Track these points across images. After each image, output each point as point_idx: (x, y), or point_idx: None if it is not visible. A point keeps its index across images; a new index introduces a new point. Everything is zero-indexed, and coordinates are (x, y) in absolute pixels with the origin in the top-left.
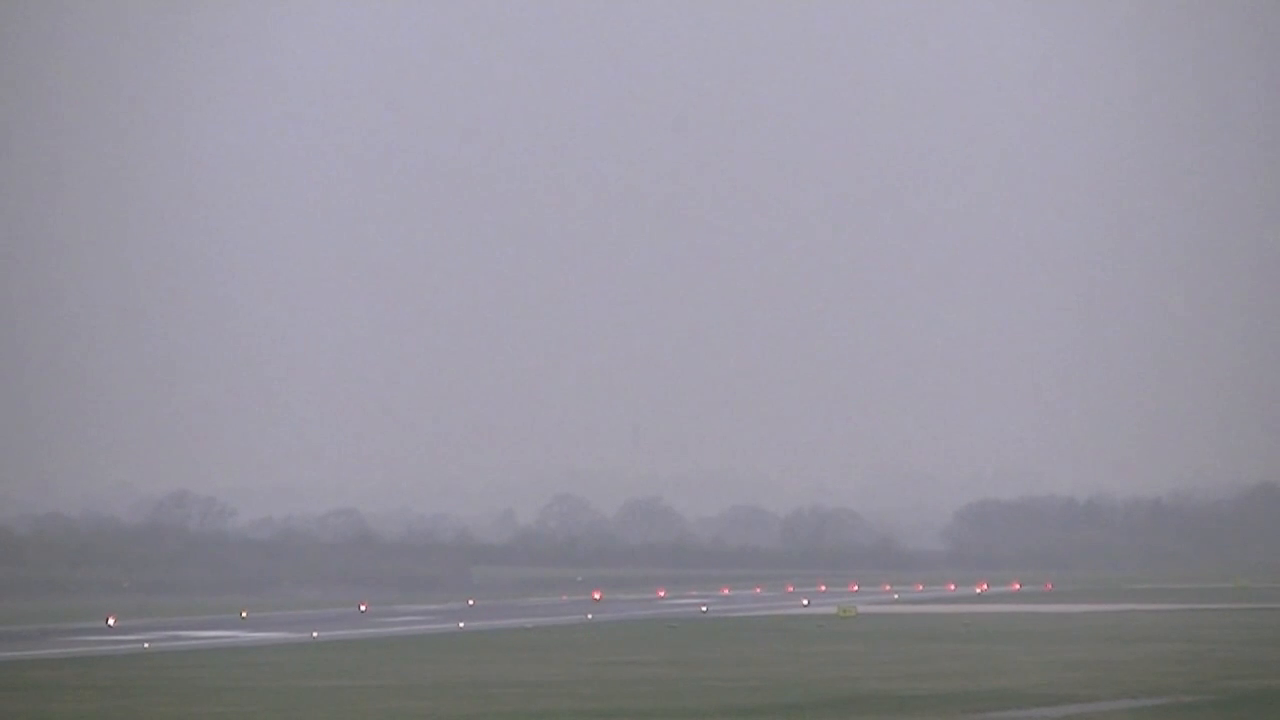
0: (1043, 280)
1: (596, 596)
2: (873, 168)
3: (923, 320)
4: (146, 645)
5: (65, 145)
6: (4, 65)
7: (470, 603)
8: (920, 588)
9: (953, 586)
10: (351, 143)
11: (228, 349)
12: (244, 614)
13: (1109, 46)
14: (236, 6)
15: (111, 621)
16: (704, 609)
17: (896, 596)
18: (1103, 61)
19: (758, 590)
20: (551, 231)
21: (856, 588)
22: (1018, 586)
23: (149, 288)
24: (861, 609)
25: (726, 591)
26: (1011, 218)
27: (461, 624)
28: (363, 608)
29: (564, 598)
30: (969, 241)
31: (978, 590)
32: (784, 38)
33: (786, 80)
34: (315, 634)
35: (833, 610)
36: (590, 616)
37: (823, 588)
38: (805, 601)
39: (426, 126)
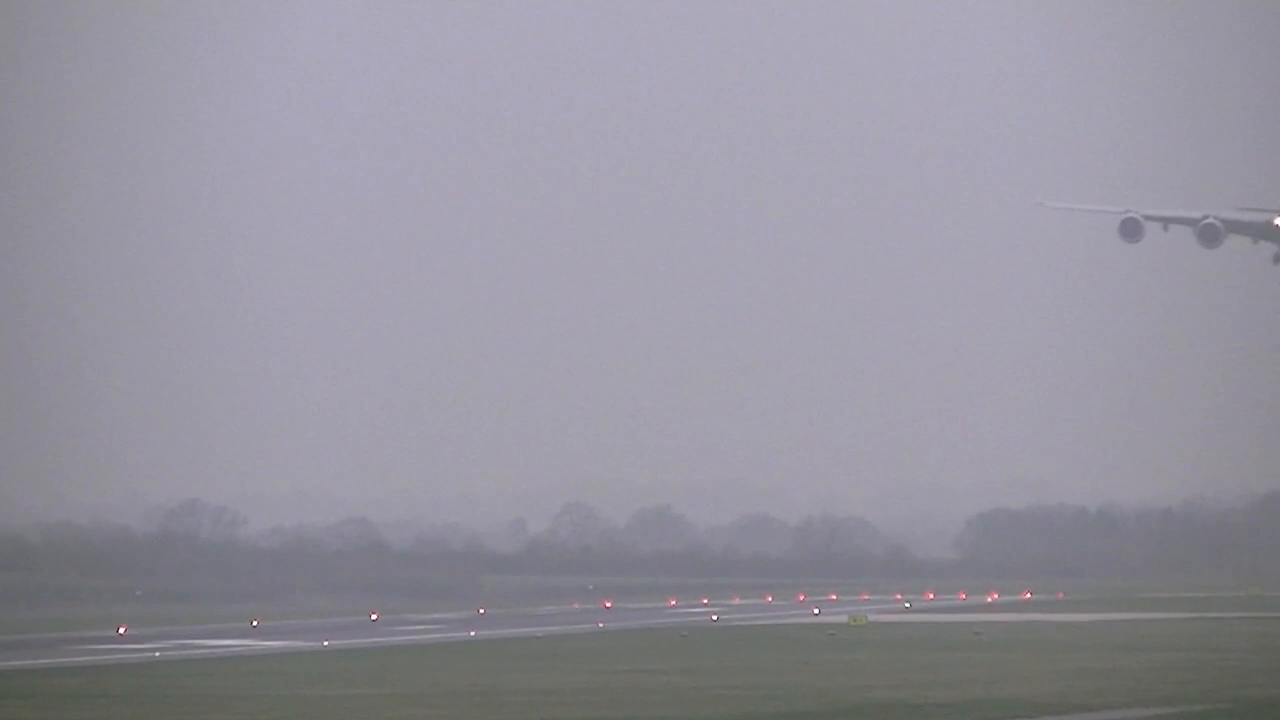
0: (1053, 287)
1: (607, 605)
2: (884, 176)
3: (934, 329)
4: (157, 654)
5: (73, 151)
6: (3, 63)
7: (481, 611)
8: (931, 596)
9: (964, 595)
10: (365, 150)
11: (239, 357)
12: (255, 622)
13: (1120, 45)
14: (243, 5)
15: (122, 630)
16: (715, 618)
17: (908, 605)
18: (1112, 61)
19: (769, 599)
20: (563, 239)
21: (868, 596)
22: (1029, 595)
23: (160, 294)
24: (873, 617)
25: (737, 600)
26: (1020, 224)
27: (472, 632)
28: (374, 616)
29: (575, 606)
30: (979, 249)
31: (989, 599)
32: (795, 41)
33: (791, 81)
34: (326, 642)
35: (844, 619)
36: (601, 625)
37: (834, 596)
38: (816, 610)
39: (438, 133)
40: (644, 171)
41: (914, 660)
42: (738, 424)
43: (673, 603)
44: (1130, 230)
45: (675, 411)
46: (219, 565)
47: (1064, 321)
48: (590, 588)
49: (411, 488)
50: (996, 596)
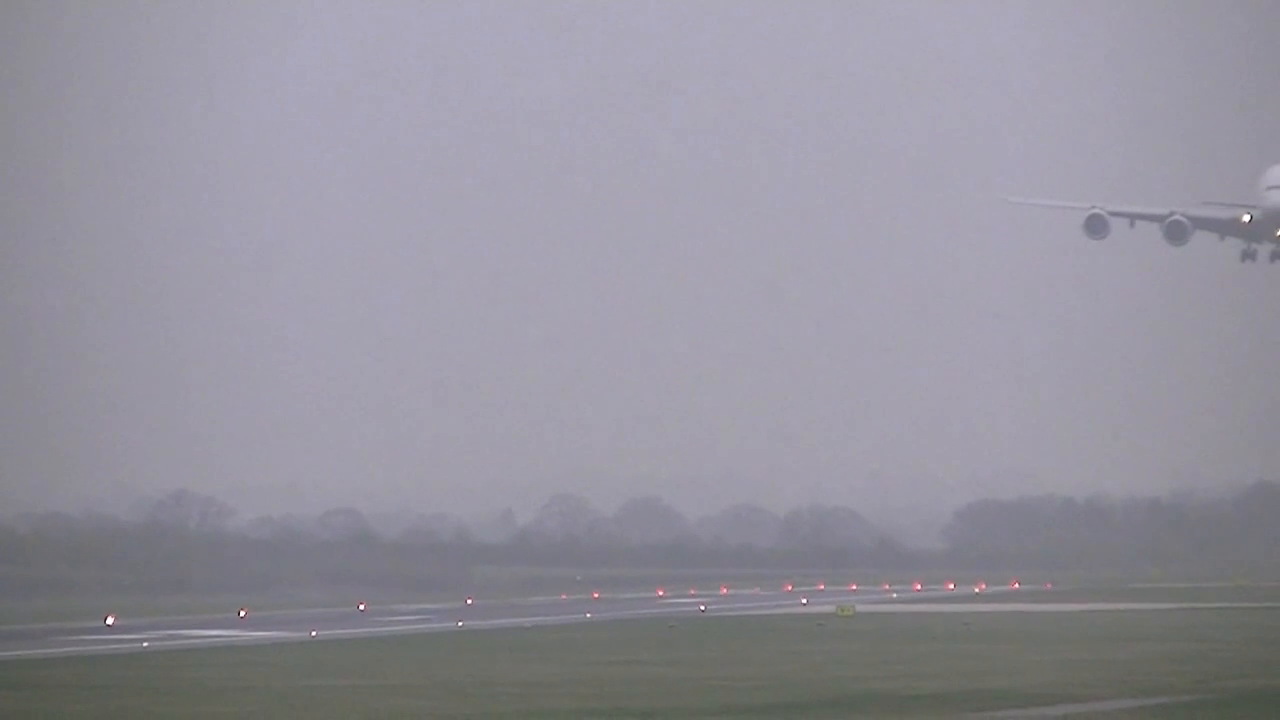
0: (1041, 277)
1: (595, 596)
2: (872, 171)
3: (921, 319)
4: (146, 645)
5: (66, 142)
6: (3, 63)
7: (469, 602)
8: (919, 587)
9: (952, 586)
10: (353, 142)
11: (227, 348)
12: (243, 613)
13: (1090, 40)
14: (244, 4)
15: (111, 621)
16: (703, 608)
17: (895, 596)
18: (1105, 57)
19: (757, 590)
20: (551, 229)
21: (856, 587)
22: (1017, 586)
23: (150, 287)
24: (861, 608)
25: (726, 591)
26: (1008, 215)
27: (461, 623)
28: (362, 607)
29: (563, 597)
30: (966, 239)
31: (977, 590)
32: (794, 40)
33: (788, 80)
34: (314, 633)
35: (832, 609)
36: (590, 616)
37: (822, 587)
38: (804, 601)
39: (426, 126)
40: (635, 168)
41: (902, 651)
42: (726, 415)
43: (661, 593)
44: (1096, 227)
45: (663, 403)
46: (207, 556)
47: (1052, 313)
48: (579, 579)
49: (400, 478)
50: (984, 587)
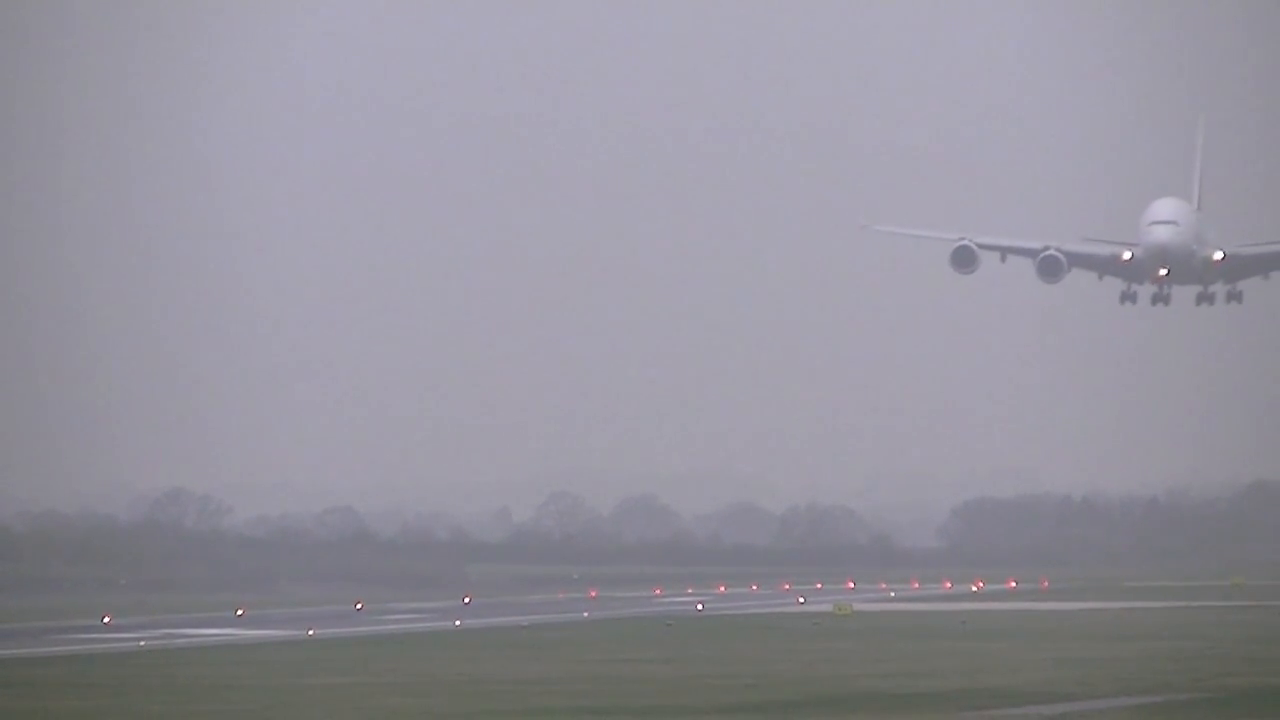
0: (1035, 277)
1: (592, 594)
2: (866, 163)
3: (918, 317)
4: (142, 643)
5: (64, 141)
6: (4, 62)
7: (466, 600)
8: (916, 585)
9: (949, 584)
10: (352, 140)
11: (224, 345)
12: (240, 611)
13: (1120, 40)
14: (243, 4)
15: (108, 619)
16: (700, 607)
17: (893, 594)
18: (1106, 55)
19: (754, 588)
20: (547, 227)
21: (853, 585)
22: (1013, 584)
23: (146, 284)
24: (858, 607)
25: (723, 589)
26: (1003, 215)
27: (458, 622)
28: (359, 605)
29: (560, 595)
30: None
31: (974, 588)
32: (793, 42)
33: (784, 80)
34: (311, 631)
35: (829, 608)
36: (587, 614)
37: (819, 585)
38: (801, 599)
39: (424, 126)
40: (632, 163)
41: (899, 649)
42: (723, 413)
43: (658, 592)
44: (963, 259)
45: (660, 400)
46: (204, 554)
47: (1049, 310)
48: (575, 577)
49: (396, 477)
50: (981, 585)
